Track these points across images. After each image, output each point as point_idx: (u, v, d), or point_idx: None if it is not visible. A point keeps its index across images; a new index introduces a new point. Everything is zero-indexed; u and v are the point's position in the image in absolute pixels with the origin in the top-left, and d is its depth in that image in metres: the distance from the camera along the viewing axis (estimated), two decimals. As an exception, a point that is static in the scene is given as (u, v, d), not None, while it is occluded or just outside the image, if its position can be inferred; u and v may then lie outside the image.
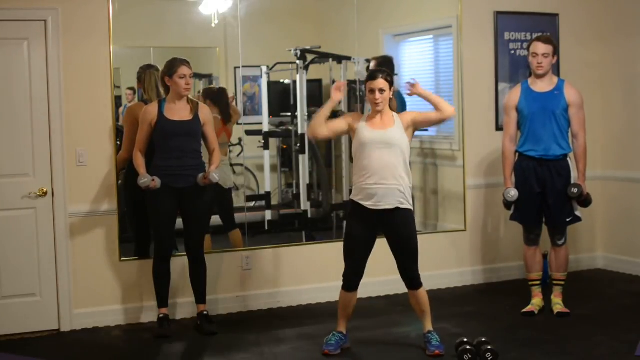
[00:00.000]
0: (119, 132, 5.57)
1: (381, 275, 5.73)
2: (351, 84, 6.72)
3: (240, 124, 6.44)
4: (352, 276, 4.82)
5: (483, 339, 4.70)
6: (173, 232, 5.31)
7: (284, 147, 6.94)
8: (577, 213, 5.59)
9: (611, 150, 6.84)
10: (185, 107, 5.23)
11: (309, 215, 6.68)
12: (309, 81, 6.62)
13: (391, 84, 4.77)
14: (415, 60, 7.03)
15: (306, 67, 6.55)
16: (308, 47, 6.56)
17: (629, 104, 6.73)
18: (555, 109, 5.49)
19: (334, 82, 6.77)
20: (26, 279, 5.35)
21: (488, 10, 6.53)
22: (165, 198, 5.17)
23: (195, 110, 5.24)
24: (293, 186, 6.89)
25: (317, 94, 6.86)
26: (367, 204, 4.72)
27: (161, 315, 5.33)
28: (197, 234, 5.33)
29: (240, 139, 6.51)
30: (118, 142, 5.56)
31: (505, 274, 6.61)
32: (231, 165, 6.36)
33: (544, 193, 5.53)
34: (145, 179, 5.08)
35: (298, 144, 6.64)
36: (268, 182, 6.70)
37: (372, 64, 6.46)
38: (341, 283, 4.86)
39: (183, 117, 5.20)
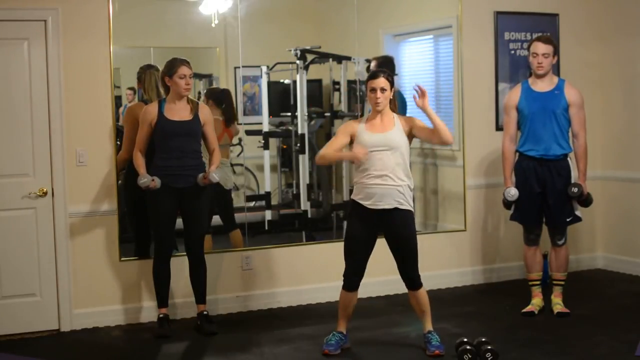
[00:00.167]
0: (119, 132, 5.57)
1: (381, 275, 5.73)
2: (351, 84, 6.73)
3: (241, 124, 6.44)
4: (353, 276, 4.82)
5: (483, 339, 4.70)
6: (173, 232, 5.31)
7: (284, 147, 6.94)
8: (577, 213, 5.59)
9: (611, 150, 6.84)
10: (185, 107, 5.23)
11: (309, 215, 6.68)
12: (309, 81, 6.62)
13: (392, 84, 4.76)
14: (415, 60, 7.03)
15: (306, 67, 6.55)
16: (308, 47, 6.56)
17: (629, 104, 6.73)
18: (555, 109, 5.49)
19: (334, 83, 6.79)
20: (26, 279, 5.35)
21: (488, 10, 6.52)
22: (165, 198, 5.17)
23: (195, 110, 5.24)
24: (293, 186, 6.89)
25: (317, 94, 6.86)
26: (367, 203, 4.72)
27: (161, 315, 5.33)
28: (197, 234, 5.33)
29: (240, 139, 6.51)
30: (118, 142, 5.56)
31: (505, 274, 6.61)
32: (231, 165, 6.36)
33: (544, 193, 5.53)
34: (145, 179, 5.08)
35: (298, 144, 6.64)
36: (268, 182, 6.70)
37: (373, 64, 6.46)
38: (341, 283, 4.85)
39: (183, 117, 5.20)
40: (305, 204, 6.63)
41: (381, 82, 4.71)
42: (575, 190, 5.47)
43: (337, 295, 4.92)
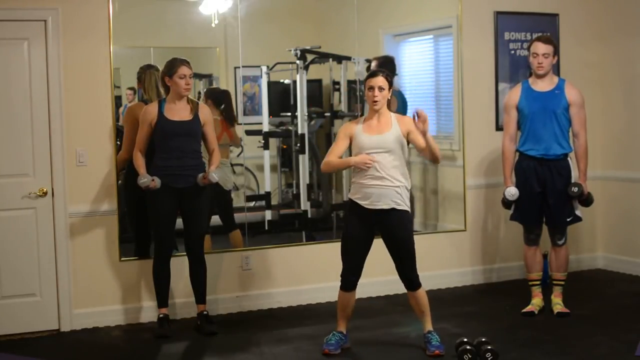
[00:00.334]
0: (119, 132, 5.57)
1: (381, 275, 5.73)
2: (351, 84, 6.72)
3: (241, 124, 6.44)
4: (350, 276, 4.82)
5: (483, 339, 4.70)
6: (173, 232, 5.31)
7: (284, 147, 6.94)
8: (578, 213, 5.59)
9: (611, 150, 6.84)
10: (185, 107, 5.23)
11: (309, 215, 6.67)
12: (309, 81, 6.62)
13: (390, 84, 4.76)
14: (415, 60, 7.02)
15: (306, 67, 6.54)
16: (308, 47, 6.55)
17: (629, 104, 6.73)
18: (555, 109, 5.49)
19: (334, 83, 6.79)
20: (26, 279, 5.35)
21: (488, 10, 6.52)
22: (165, 198, 5.17)
23: (195, 111, 5.24)
24: (293, 186, 6.89)
25: (317, 94, 6.86)
26: (364, 203, 4.73)
27: (161, 315, 5.33)
28: (197, 234, 5.33)
29: (240, 139, 6.51)
30: (118, 142, 5.56)
31: (505, 274, 6.61)
32: (231, 165, 6.36)
33: (544, 193, 5.53)
34: (145, 179, 5.08)
35: (298, 144, 6.64)
36: (268, 182, 6.70)
37: (373, 64, 6.46)
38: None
39: (183, 117, 5.20)
40: (305, 204, 6.63)
41: (379, 80, 4.71)
42: (575, 190, 5.47)
43: (337, 295, 4.92)
